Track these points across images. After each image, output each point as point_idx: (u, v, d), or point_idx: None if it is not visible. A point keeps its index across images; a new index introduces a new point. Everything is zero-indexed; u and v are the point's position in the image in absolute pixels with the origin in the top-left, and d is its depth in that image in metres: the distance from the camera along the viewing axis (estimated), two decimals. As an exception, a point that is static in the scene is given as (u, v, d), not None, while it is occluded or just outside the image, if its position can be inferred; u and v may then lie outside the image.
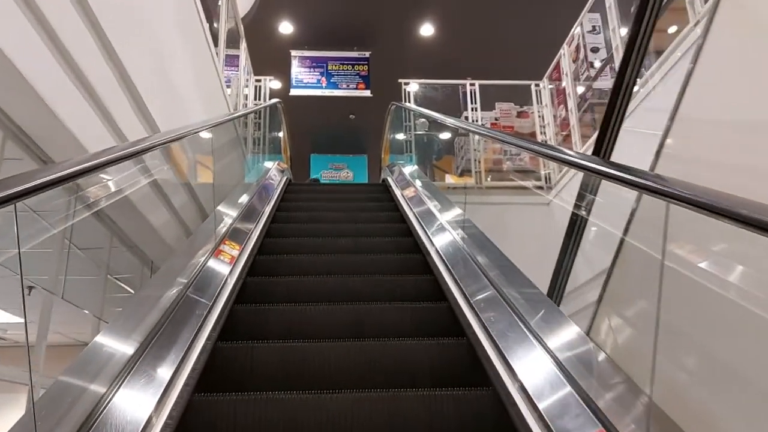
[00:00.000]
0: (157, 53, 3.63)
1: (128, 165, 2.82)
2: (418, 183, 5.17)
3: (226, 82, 6.82)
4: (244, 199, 4.04)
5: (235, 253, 3.24)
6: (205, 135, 3.46)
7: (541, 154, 2.58)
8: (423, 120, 8.19)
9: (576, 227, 2.57)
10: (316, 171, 13.18)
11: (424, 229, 3.71)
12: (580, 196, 2.50)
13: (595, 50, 7.31)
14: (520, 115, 8.83)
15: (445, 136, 8.68)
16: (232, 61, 7.50)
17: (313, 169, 13.18)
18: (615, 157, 2.47)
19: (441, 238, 3.36)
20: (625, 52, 2.05)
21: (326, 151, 13.28)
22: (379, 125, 9.06)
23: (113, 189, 2.75)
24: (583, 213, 2.50)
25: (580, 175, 2.32)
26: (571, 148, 7.04)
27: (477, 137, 7.70)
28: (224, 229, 3.27)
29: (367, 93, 10.30)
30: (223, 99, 5.76)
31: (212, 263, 2.86)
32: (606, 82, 7.00)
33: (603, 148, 2.32)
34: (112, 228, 3.56)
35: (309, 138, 12.58)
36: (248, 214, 3.71)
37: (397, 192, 5.35)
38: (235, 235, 3.39)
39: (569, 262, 2.72)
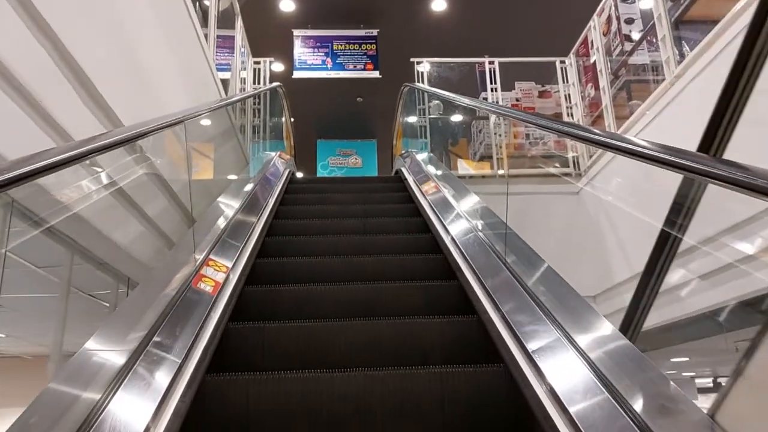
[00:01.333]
0: (119, 31, 2.95)
1: (73, 172, 2.21)
2: (442, 184, 4.39)
3: (222, 65, 6.15)
4: (232, 207, 3.38)
5: (221, 277, 2.62)
6: (186, 126, 2.79)
7: (617, 148, 1.81)
8: (437, 102, 7.49)
9: (667, 253, 1.90)
10: (323, 158, 12.54)
11: (455, 244, 3.04)
12: (676, 210, 1.82)
13: (629, 21, 6.55)
14: (541, 95, 8.14)
15: (464, 119, 7.97)
16: (227, 42, 6.81)
17: (319, 156, 12.54)
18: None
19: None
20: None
21: (333, 137, 12.61)
22: (388, 108, 8.37)
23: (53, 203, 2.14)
24: (680, 235, 1.83)
25: (620, 160, 1.63)
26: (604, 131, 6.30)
27: (493, 118, 6.95)
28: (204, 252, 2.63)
29: (376, 74, 9.59)
30: (213, 84, 5.09)
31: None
32: (643, 57, 6.26)
33: (716, 141, 1.63)
34: (74, 246, 2.93)
35: (315, 123, 11.94)
36: (233, 231, 3.05)
37: (415, 187, 4.70)
38: (221, 251, 2.76)
39: (652, 295, 2.05)
